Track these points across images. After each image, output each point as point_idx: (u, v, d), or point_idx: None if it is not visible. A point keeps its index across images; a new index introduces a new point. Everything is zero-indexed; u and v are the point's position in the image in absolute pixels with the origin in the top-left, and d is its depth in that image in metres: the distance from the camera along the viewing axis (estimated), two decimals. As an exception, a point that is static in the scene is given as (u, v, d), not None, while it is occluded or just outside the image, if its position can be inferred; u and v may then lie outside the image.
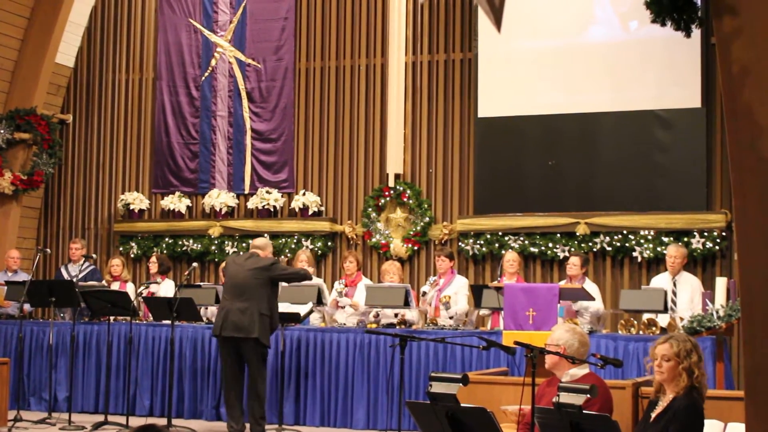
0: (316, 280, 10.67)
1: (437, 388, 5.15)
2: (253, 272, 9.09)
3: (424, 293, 10.27)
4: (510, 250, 10.92)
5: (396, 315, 10.08)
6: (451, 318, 9.99)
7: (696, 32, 4.96)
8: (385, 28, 12.29)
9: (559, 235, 11.34)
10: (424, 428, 5.34)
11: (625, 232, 11.09)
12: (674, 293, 9.52)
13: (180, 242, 12.79)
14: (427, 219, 11.92)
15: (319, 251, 12.18)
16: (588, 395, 4.92)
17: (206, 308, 10.70)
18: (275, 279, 9.20)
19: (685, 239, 10.75)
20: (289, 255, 11.96)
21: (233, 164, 12.82)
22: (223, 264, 10.92)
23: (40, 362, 10.82)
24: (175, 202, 12.90)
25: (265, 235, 11.76)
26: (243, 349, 9.04)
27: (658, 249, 10.81)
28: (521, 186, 11.66)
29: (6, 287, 11.17)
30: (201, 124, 12.97)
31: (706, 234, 10.76)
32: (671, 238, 10.78)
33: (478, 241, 11.63)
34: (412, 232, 11.95)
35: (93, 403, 10.62)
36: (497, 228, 11.56)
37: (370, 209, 12.13)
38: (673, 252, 9.74)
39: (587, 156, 11.40)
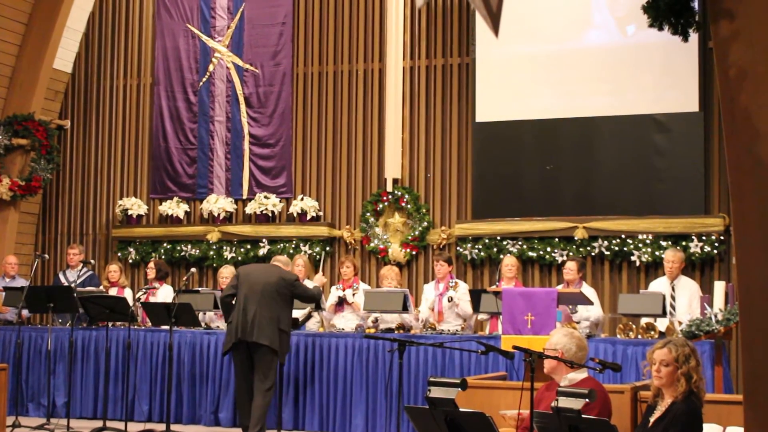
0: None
1: (436, 392, 5.14)
2: (278, 282, 9.02)
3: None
4: (508, 255, 10.91)
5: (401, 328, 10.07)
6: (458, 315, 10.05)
7: (693, 36, 4.96)
8: (383, 32, 12.30)
9: (557, 239, 11.34)
10: (423, 433, 5.34)
11: (623, 236, 11.08)
12: (673, 297, 9.51)
13: (178, 247, 12.79)
14: (426, 224, 11.92)
15: (318, 256, 12.17)
16: (587, 399, 4.92)
17: (204, 313, 10.71)
18: (295, 295, 9.17)
19: (683, 243, 10.75)
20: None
21: (231, 169, 12.81)
22: (224, 270, 10.94)
23: (38, 368, 10.80)
24: (173, 207, 12.90)
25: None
26: (261, 357, 8.89)
27: (657, 253, 10.81)
28: (519, 190, 11.66)
29: (4, 293, 11.17)
30: (199, 129, 12.97)
31: (704, 238, 10.76)
32: (669, 242, 10.77)
33: (477, 246, 11.63)
34: (410, 237, 11.94)
35: (91, 409, 10.61)
36: (495, 232, 11.56)
37: (368, 214, 12.13)
38: (671, 256, 9.73)
39: (585, 160, 11.40)
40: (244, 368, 8.96)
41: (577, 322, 9.42)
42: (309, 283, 10.19)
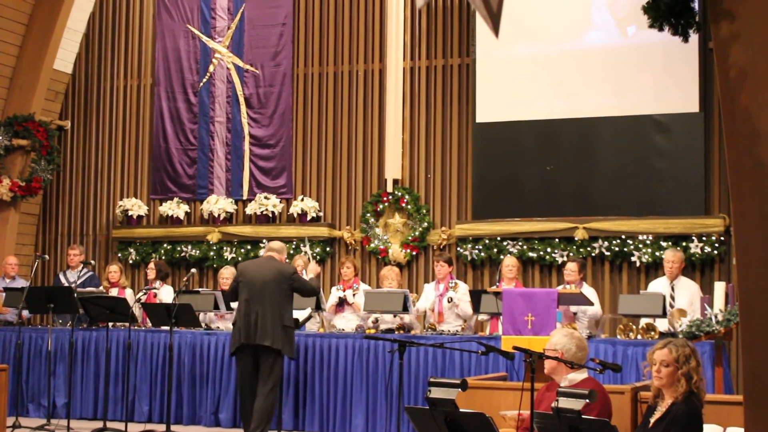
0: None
1: (436, 393, 5.14)
2: (277, 278, 8.98)
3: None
4: (508, 255, 10.91)
5: (403, 329, 10.06)
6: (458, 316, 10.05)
7: (694, 37, 4.96)
8: (383, 33, 12.30)
9: (557, 240, 11.34)
10: (423, 434, 5.33)
11: (623, 236, 11.08)
12: (672, 297, 9.52)
13: (178, 248, 12.79)
14: (426, 224, 11.92)
15: (318, 257, 12.17)
16: (587, 400, 4.91)
17: (205, 314, 10.71)
18: (295, 289, 9.14)
19: (684, 244, 10.75)
20: (286, 260, 11.94)
21: (231, 170, 12.82)
22: (225, 270, 10.94)
23: (38, 369, 10.80)
24: (174, 208, 12.90)
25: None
26: (265, 359, 8.87)
27: (657, 254, 10.81)
28: (519, 191, 11.65)
29: (4, 294, 11.17)
30: (199, 129, 12.98)
31: (704, 238, 10.76)
32: (669, 243, 10.77)
33: (477, 247, 11.63)
34: (410, 238, 11.94)
35: (92, 410, 10.60)
36: (495, 233, 11.56)
37: (368, 214, 12.13)
38: (671, 257, 9.73)
39: (585, 161, 11.40)
40: (249, 370, 8.93)
41: (575, 313, 9.44)
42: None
